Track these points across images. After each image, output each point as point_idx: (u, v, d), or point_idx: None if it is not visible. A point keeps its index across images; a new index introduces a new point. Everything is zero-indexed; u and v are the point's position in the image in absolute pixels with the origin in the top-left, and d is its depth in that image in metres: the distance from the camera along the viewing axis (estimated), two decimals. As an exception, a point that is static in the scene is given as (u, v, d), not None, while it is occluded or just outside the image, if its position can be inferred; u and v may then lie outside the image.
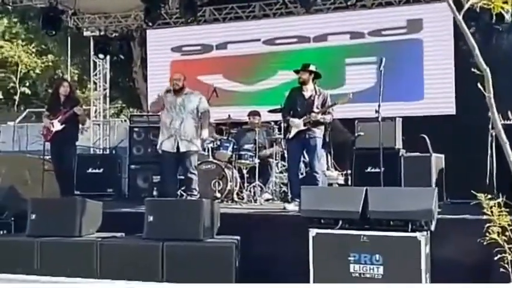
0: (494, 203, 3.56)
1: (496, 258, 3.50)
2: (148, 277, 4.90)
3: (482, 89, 3.10)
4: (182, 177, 6.70)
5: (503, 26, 8.63)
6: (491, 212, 3.46)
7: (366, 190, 4.74)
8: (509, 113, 6.59)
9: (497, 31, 8.99)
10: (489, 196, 3.67)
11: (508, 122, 6.42)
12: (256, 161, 7.51)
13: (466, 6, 3.13)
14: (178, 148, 6.53)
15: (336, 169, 8.25)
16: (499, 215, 3.52)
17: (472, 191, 3.93)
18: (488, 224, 3.53)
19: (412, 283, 4.39)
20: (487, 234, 3.54)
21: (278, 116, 7.89)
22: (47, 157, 7.91)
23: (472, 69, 3.17)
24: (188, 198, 6.47)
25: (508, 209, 3.77)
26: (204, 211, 5.08)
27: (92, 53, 11.74)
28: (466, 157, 7.84)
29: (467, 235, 4.94)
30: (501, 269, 3.54)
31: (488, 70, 3.11)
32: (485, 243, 3.61)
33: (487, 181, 6.29)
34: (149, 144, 8.83)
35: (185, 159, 6.56)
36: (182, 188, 6.88)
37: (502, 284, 3.88)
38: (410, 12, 9.34)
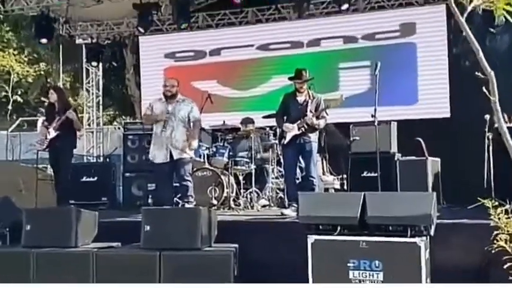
0: (502, 210, 3.49)
1: (505, 266, 3.43)
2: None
3: (487, 93, 3.06)
4: (178, 184, 6.60)
5: (497, 28, 8.62)
6: (499, 218, 3.38)
7: (364, 195, 4.70)
8: (504, 115, 6.58)
9: (490, 34, 8.97)
10: (496, 203, 3.60)
11: (508, 125, 6.41)
12: (252, 167, 7.47)
13: (469, 8, 3.09)
14: (171, 156, 6.44)
15: (331, 174, 8.23)
16: (507, 222, 3.44)
17: (475, 196, 3.88)
18: (496, 232, 3.45)
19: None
20: (495, 241, 3.46)
21: (273, 122, 7.83)
22: (41, 166, 7.82)
23: (477, 73, 3.12)
24: (185, 205, 6.41)
25: None
26: (201, 219, 5.01)
27: (84, 60, 11.68)
28: (461, 160, 7.83)
29: (466, 239, 4.94)
30: (510, 277, 3.46)
31: (493, 73, 3.06)
32: (493, 251, 3.53)
33: (485, 185, 6.27)
34: (144, 151, 8.74)
35: (179, 167, 6.46)
36: (178, 196, 6.81)
37: (502, 284, 3.84)
38: (403, 15, 9.36)
